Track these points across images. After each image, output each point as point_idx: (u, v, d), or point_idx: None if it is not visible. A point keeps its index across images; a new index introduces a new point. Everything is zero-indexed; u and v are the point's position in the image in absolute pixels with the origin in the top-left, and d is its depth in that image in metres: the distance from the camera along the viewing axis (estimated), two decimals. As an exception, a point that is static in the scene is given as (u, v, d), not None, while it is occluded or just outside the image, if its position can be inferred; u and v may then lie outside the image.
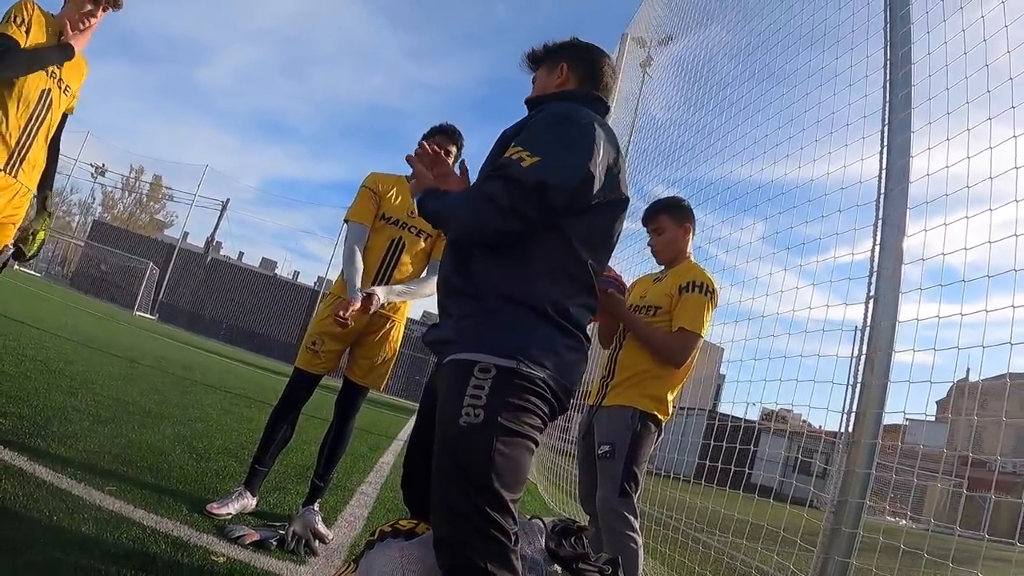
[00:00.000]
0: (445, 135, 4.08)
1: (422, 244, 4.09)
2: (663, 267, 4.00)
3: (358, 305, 3.69)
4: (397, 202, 4.08)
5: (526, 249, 2.09)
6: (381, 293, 3.85)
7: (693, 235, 3.99)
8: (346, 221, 4.08)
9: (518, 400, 1.96)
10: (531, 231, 2.05)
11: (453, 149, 4.09)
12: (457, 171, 2.54)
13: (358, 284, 3.83)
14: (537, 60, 2.58)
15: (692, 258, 3.95)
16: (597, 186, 2.14)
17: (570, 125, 2.17)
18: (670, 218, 3.90)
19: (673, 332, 3.61)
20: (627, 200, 2.36)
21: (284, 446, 4.01)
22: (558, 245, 2.13)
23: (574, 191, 2.09)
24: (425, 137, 4.11)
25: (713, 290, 3.68)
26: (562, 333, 2.13)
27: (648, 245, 3.98)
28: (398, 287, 4.01)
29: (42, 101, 3.28)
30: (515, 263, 2.10)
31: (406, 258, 4.04)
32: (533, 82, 2.59)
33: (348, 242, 4.01)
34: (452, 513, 1.88)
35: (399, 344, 4.16)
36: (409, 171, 2.44)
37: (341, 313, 3.65)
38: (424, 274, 4.18)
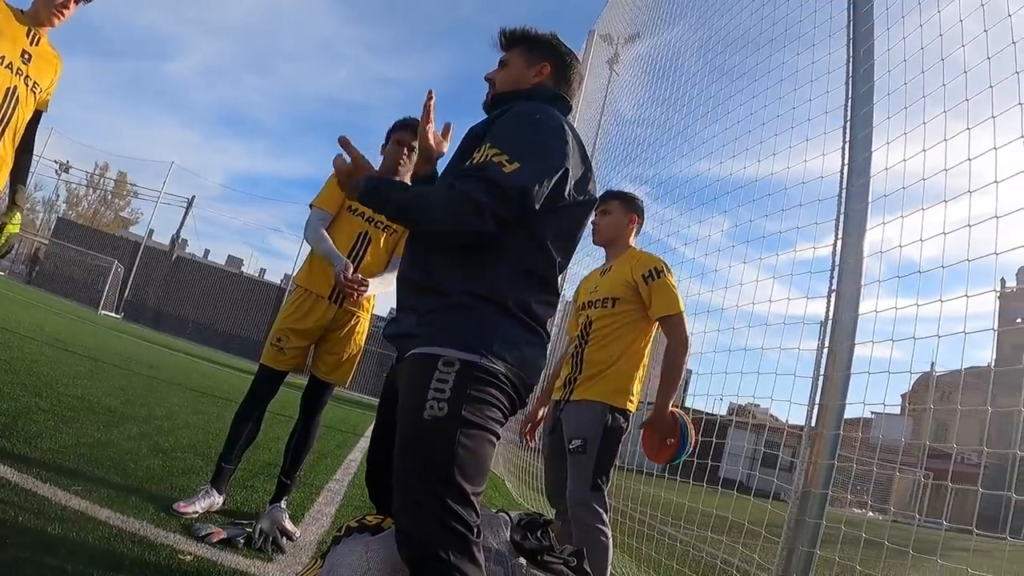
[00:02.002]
0: (409, 130, 4.01)
1: (389, 240, 4.07)
2: (605, 258, 4.10)
3: (351, 271, 3.70)
4: None
5: (492, 248, 2.09)
6: (373, 283, 3.86)
7: (637, 233, 4.10)
8: (310, 206, 4.05)
9: (481, 394, 1.98)
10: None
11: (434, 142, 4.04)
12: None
13: (339, 252, 3.83)
14: (514, 43, 2.54)
15: (636, 248, 4.04)
16: (569, 187, 2.19)
17: (543, 127, 2.18)
18: (621, 204, 4.01)
19: (661, 320, 3.72)
20: (595, 200, 2.40)
21: (250, 444, 3.98)
22: (524, 244, 2.15)
23: (551, 195, 2.13)
24: (390, 131, 4.08)
25: (668, 267, 3.79)
26: (525, 329, 2.16)
27: (591, 223, 4.01)
28: (384, 278, 4.01)
29: (8, 99, 3.23)
30: (480, 261, 2.11)
31: (372, 253, 4.01)
32: (502, 63, 2.54)
33: (312, 225, 3.97)
34: (414, 505, 1.89)
35: (364, 339, 4.15)
36: (374, 162, 2.42)
37: (348, 274, 3.66)
38: (389, 268, 4.13)
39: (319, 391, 4.05)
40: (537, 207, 2.09)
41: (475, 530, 1.92)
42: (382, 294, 4.09)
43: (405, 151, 3.96)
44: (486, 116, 2.49)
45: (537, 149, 2.12)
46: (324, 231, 3.94)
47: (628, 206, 4.00)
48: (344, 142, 2.34)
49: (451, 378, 1.96)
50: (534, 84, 2.49)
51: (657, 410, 3.66)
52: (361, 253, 3.98)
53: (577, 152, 2.24)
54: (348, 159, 2.34)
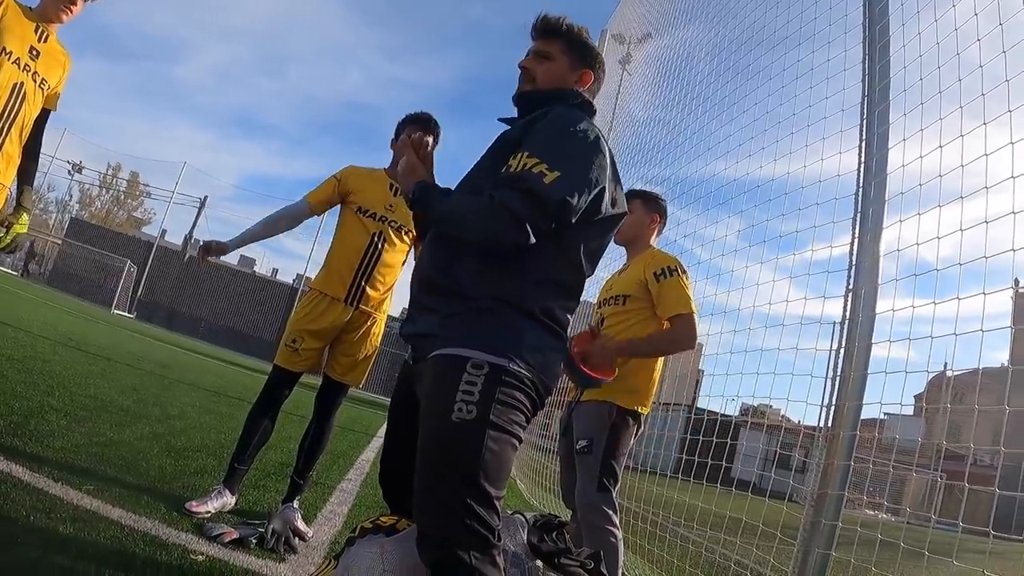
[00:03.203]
0: (420, 124, 3.98)
1: (404, 240, 4.06)
2: (626, 259, 4.08)
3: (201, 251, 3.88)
4: (374, 196, 4.02)
5: (522, 257, 2.09)
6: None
7: (659, 232, 4.07)
8: (303, 197, 4.09)
9: (508, 398, 1.98)
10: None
11: (429, 140, 3.99)
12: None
13: (238, 240, 3.98)
14: (556, 35, 2.46)
15: (655, 248, 4.00)
16: (606, 202, 2.20)
17: (583, 138, 2.17)
18: (643, 204, 3.97)
19: (669, 321, 3.64)
20: (625, 213, 2.39)
21: (263, 444, 3.97)
22: (554, 254, 2.15)
23: (587, 209, 2.14)
24: (400, 125, 4.06)
25: (683, 267, 3.75)
26: (548, 334, 2.16)
27: None
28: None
29: (14, 95, 3.22)
30: (509, 268, 2.11)
31: (389, 256, 4.00)
32: (543, 54, 2.45)
33: (284, 208, 4.06)
34: (439, 507, 1.89)
35: (379, 340, 4.13)
36: (386, 163, 2.40)
37: (195, 254, 3.73)
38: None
39: (333, 392, 4.04)
40: (574, 220, 2.10)
41: (496, 533, 1.91)
42: (395, 295, 4.09)
43: None
44: (516, 109, 2.47)
45: (577, 161, 2.12)
46: (282, 221, 4.07)
47: (650, 206, 3.97)
48: (404, 144, 2.43)
49: (480, 381, 1.95)
50: (573, 88, 2.47)
51: (614, 345, 3.61)
52: (377, 254, 3.96)
53: (611, 166, 2.23)
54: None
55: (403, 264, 4.13)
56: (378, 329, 4.11)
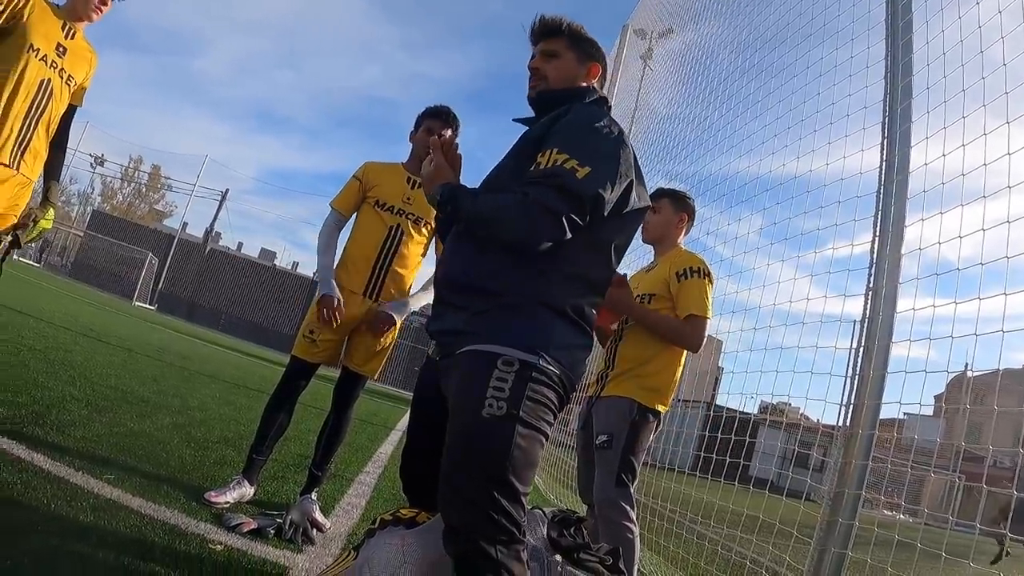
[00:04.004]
0: (439, 118, 3.99)
1: (423, 233, 4.06)
2: (652, 256, 4.07)
3: (333, 305, 3.77)
4: (391, 189, 4.02)
5: (550, 251, 2.08)
6: (397, 312, 3.93)
7: (687, 231, 4.04)
8: (330, 205, 4.07)
9: (537, 395, 1.99)
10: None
11: (448, 133, 3.97)
12: None
13: (331, 278, 3.88)
14: (557, 34, 2.47)
15: (682, 247, 3.97)
16: (633, 195, 2.22)
17: (608, 134, 2.18)
18: (671, 203, 3.94)
19: (683, 319, 3.62)
20: (649, 206, 2.40)
21: (281, 435, 3.99)
22: (583, 249, 2.15)
23: (618, 203, 2.15)
24: (419, 118, 4.06)
25: (708, 272, 3.72)
26: (576, 330, 2.17)
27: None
28: (414, 299, 4.05)
29: (41, 91, 3.26)
30: (539, 266, 2.11)
31: (407, 248, 4.00)
32: (549, 53, 2.46)
33: (326, 227, 4.03)
34: (466, 501, 1.90)
35: (396, 333, 4.13)
36: (405, 157, 2.39)
37: (325, 313, 3.74)
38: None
39: (351, 383, 4.04)
40: (604, 213, 2.10)
41: (522, 528, 1.93)
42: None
43: None
44: (532, 110, 2.49)
45: (606, 156, 2.12)
46: (334, 239, 4.02)
47: (678, 205, 3.95)
48: (433, 144, 2.37)
49: (511, 378, 1.97)
50: (586, 84, 2.48)
51: (632, 309, 3.66)
52: (394, 247, 3.96)
53: (633, 158, 2.24)
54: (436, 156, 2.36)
55: (423, 256, 4.13)
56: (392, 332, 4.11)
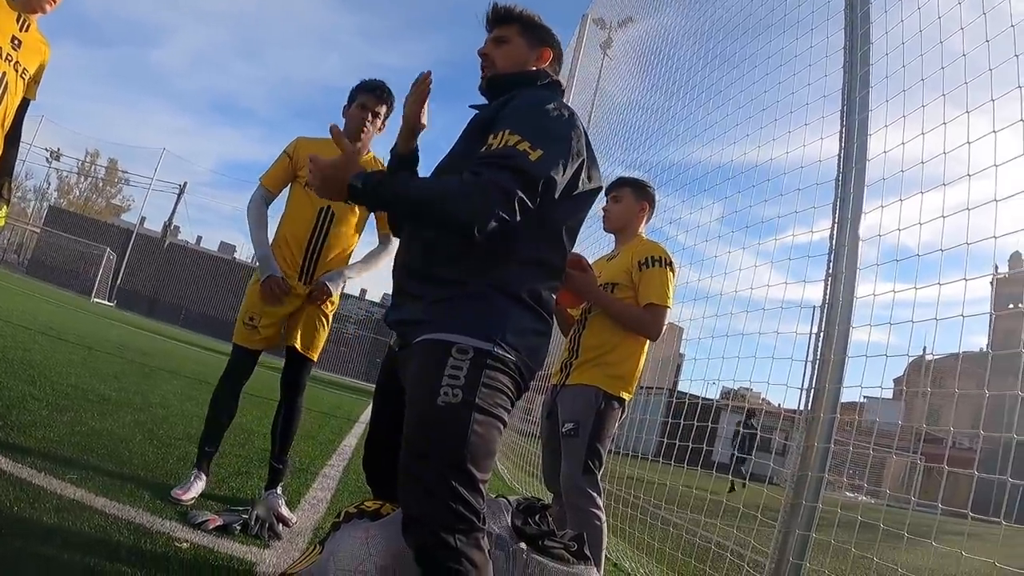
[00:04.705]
0: (373, 94, 3.87)
1: (356, 212, 3.97)
2: (614, 246, 4.08)
3: (282, 279, 3.73)
4: None
5: (504, 237, 2.06)
6: (334, 284, 3.85)
7: (647, 220, 4.06)
8: (259, 180, 3.99)
9: (493, 381, 2.00)
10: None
11: (382, 110, 3.90)
12: None
13: (271, 255, 3.81)
14: (508, 20, 2.50)
15: (644, 236, 3.99)
16: (583, 176, 2.23)
17: (559, 116, 2.19)
18: (633, 192, 3.96)
19: (643, 308, 3.64)
20: (601, 187, 2.41)
21: (229, 424, 3.95)
22: (536, 233, 2.16)
23: (568, 184, 2.16)
24: (352, 93, 3.94)
25: (671, 261, 3.75)
26: (533, 316, 2.17)
27: (602, 210, 4.00)
28: (349, 270, 3.98)
29: None
30: (492, 251, 2.10)
31: (338, 229, 3.91)
32: (499, 39, 2.48)
33: (252, 204, 3.94)
34: (424, 491, 1.90)
35: (332, 312, 4.05)
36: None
37: (273, 292, 3.70)
38: (378, 247, 4.08)
39: (298, 370, 3.96)
40: (555, 195, 2.11)
41: (481, 516, 1.93)
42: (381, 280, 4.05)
43: (369, 116, 3.85)
44: (484, 98, 2.49)
45: (557, 138, 2.13)
46: (265, 219, 3.93)
47: (640, 194, 3.96)
48: (335, 132, 2.28)
49: (465, 365, 1.97)
50: (536, 69, 2.49)
51: (594, 294, 3.67)
52: (325, 229, 3.88)
53: (585, 140, 2.25)
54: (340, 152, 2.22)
55: (358, 233, 4.06)
56: (333, 301, 4.02)
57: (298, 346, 3.91)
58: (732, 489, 10.86)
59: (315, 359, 4.02)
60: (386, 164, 3.70)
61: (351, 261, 4.08)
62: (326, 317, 4.01)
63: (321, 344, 4.04)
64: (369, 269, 4.03)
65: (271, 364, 3.97)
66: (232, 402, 3.93)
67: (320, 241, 3.87)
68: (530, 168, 2.00)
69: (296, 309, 3.90)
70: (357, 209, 3.96)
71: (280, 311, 3.85)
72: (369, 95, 3.87)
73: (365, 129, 3.86)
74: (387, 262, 4.01)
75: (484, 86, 2.49)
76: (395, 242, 4.04)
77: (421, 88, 2.48)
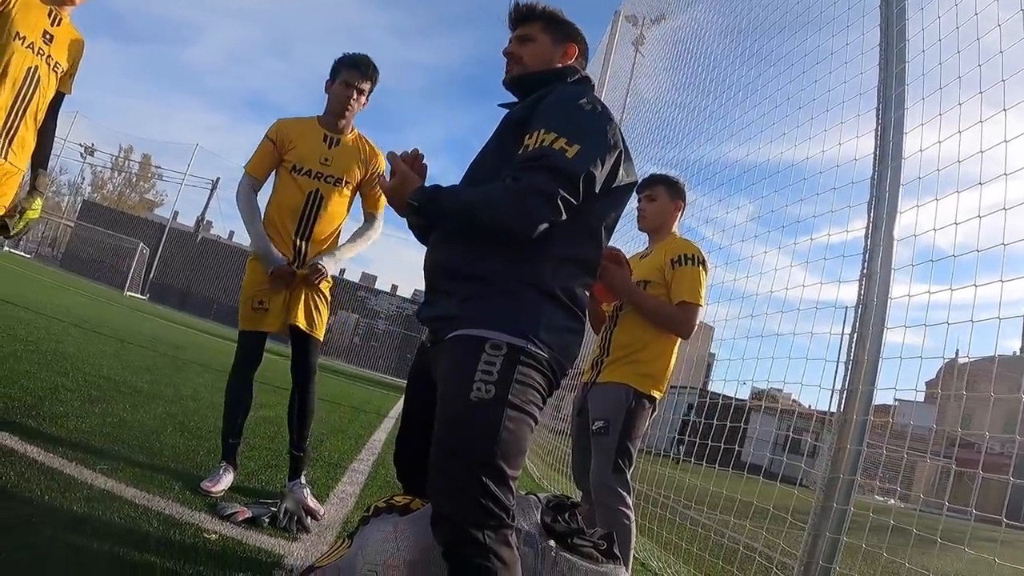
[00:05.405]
0: (357, 70, 3.83)
1: (344, 193, 3.95)
2: (647, 243, 4.05)
3: (284, 271, 3.75)
4: (307, 150, 3.88)
5: (540, 235, 2.05)
6: (328, 264, 3.86)
7: (681, 217, 4.03)
8: (244, 170, 3.96)
9: (526, 378, 1.99)
10: None
11: (367, 86, 3.87)
12: None
13: (271, 246, 3.80)
14: (532, 18, 2.49)
15: (677, 234, 3.96)
16: (621, 169, 2.21)
17: (593, 110, 2.18)
18: (667, 190, 3.93)
19: (675, 305, 3.62)
20: (636, 181, 2.39)
21: (247, 414, 3.94)
22: (572, 230, 2.13)
23: (607, 179, 2.15)
24: (335, 68, 3.90)
25: (703, 260, 3.72)
26: (567, 314, 2.16)
27: (637, 209, 3.98)
28: (341, 251, 3.98)
29: (29, 79, 3.23)
30: (529, 249, 2.09)
31: (327, 211, 3.89)
32: (524, 38, 2.47)
33: (242, 194, 3.91)
34: (455, 487, 1.89)
35: (329, 290, 4.05)
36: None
37: (284, 278, 3.74)
38: (364, 226, 4.10)
39: (305, 351, 3.93)
40: (595, 190, 2.10)
41: (511, 513, 1.92)
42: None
43: (354, 94, 3.84)
44: (511, 94, 2.49)
45: (593, 132, 2.12)
46: (258, 209, 3.91)
47: (673, 192, 3.93)
48: (392, 157, 2.28)
49: (499, 361, 1.96)
50: (564, 65, 2.47)
51: (630, 290, 3.63)
52: (314, 213, 3.87)
53: (620, 134, 2.24)
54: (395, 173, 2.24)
55: (347, 212, 4.04)
56: (329, 280, 4.00)
57: (302, 324, 3.88)
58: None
59: (320, 338, 4.00)
60: (372, 144, 3.71)
61: (340, 241, 4.07)
62: (324, 296, 4.01)
63: (324, 322, 4.03)
64: (358, 248, 4.04)
65: (279, 352, 3.97)
66: (247, 391, 3.92)
67: (309, 226, 3.86)
68: (567, 166, 2.00)
69: (294, 290, 3.88)
70: (345, 189, 3.95)
71: (281, 294, 3.85)
72: (353, 71, 3.84)
73: (349, 106, 3.85)
74: (375, 239, 4.09)
75: (509, 82, 2.49)
76: (380, 220, 4.13)
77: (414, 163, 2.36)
